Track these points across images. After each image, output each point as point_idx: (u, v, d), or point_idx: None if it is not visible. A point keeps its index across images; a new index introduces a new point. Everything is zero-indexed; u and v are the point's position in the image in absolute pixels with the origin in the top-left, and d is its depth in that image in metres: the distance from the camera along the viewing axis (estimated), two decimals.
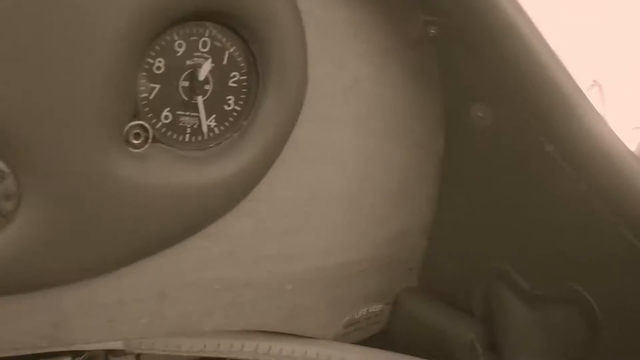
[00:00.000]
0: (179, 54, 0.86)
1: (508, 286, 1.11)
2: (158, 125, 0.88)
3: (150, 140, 0.86)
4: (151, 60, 0.83)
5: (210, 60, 0.89)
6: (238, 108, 0.94)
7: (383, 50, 1.07)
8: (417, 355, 1.22)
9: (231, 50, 0.90)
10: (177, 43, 0.85)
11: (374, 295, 1.27)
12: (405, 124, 1.14)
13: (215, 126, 0.93)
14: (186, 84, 0.88)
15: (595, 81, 5.29)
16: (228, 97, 0.93)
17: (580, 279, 1.02)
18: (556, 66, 0.98)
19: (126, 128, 0.83)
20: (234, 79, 0.92)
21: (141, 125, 0.85)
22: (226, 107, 0.93)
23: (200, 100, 0.90)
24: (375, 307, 1.29)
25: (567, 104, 0.96)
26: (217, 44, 0.89)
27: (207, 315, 1.07)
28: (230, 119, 0.94)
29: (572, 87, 0.98)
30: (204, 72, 0.88)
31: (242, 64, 0.92)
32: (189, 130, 0.91)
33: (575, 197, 0.98)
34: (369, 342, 1.32)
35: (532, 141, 0.98)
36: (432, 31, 1.02)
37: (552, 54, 0.98)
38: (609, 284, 1.00)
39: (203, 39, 0.87)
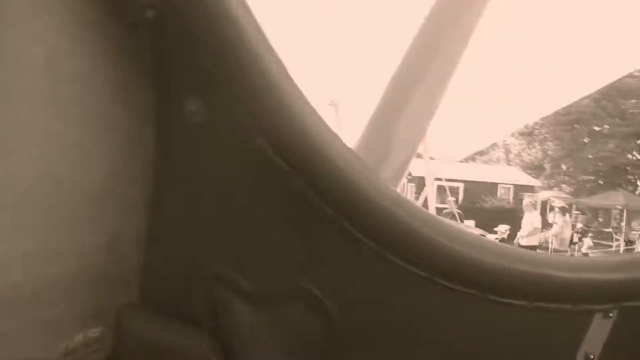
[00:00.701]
0: None
1: (230, 289, 1.07)
2: None
3: None
4: None
5: None
6: None
7: (90, 26, 0.95)
8: None
9: None
10: None
11: (91, 315, 1.12)
12: (109, 113, 1.02)
13: None
14: None
15: (332, 101, 5.75)
16: None
17: (308, 275, 1.02)
18: (273, 62, 0.97)
19: None
20: None
21: None
22: None
23: None
24: (94, 332, 1.15)
25: (280, 98, 0.96)
26: None
27: None
28: None
29: (286, 83, 0.98)
30: None
31: None
32: None
33: (291, 192, 0.98)
34: None
35: (245, 136, 0.96)
36: (150, 15, 0.95)
37: (270, 49, 0.97)
38: (337, 277, 1.01)
39: None
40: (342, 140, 1.02)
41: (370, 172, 1.03)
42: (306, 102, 1.00)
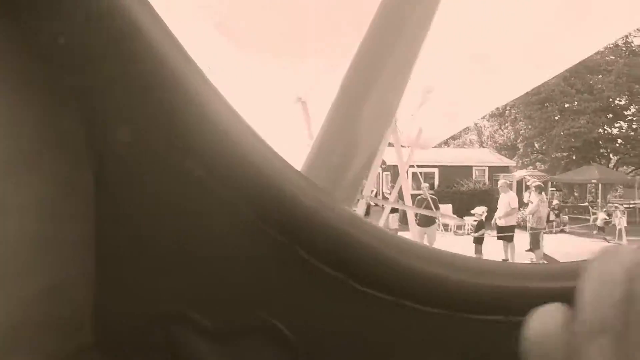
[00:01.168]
0: None
1: (190, 328, 0.99)
2: None
3: None
4: None
5: None
6: None
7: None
8: None
9: None
10: None
11: None
12: (34, 153, 0.92)
13: None
14: None
15: (299, 98, 5.68)
16: None
17: (268, 308, 0.95)
18: (195, 75, 0.88)
19: None
20: None
21: None
22: None
23: None
24: None
25: (211, 119, 0.88)
26: None
27: None
28: None
29: (215, 100, 0.90)
30: None
31: None
32: None
33: (239, 222, 0.91)
34: None
35: (183, 167, 0.88)
36: (61, 40, 0.85)
37: (189, 60, 0.88)
38: (298, 308, 0.95)
39: None
40: (287, 162, 0.95)
41: (322, 193, 0.95)
42: (241, 121, 0.91)
